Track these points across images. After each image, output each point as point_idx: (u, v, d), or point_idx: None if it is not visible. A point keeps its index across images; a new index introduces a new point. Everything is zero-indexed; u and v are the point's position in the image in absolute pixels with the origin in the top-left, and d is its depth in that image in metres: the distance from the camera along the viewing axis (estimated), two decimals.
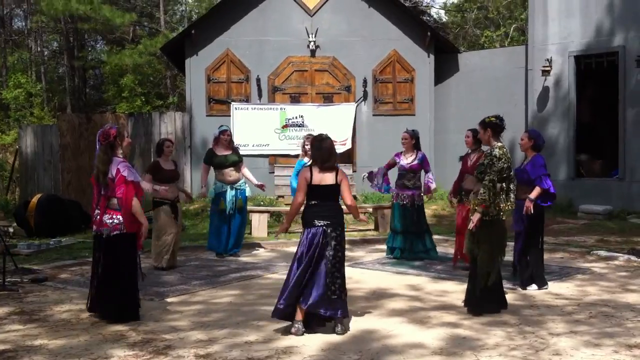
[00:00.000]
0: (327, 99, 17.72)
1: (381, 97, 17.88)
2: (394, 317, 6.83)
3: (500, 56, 18.59)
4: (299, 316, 6.24)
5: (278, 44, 17.61)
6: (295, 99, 17.69)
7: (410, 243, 10.27)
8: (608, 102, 16.43)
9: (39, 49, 34.67)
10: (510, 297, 7.52)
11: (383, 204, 14.41)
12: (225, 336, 6.19)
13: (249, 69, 17.62)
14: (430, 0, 41.16)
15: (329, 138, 6.66)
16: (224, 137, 10.84)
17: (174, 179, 10.00)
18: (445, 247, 11.55)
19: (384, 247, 11.07)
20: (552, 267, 9.24)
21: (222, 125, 11.35)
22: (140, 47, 27.96)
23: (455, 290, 7.91)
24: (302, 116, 16.95)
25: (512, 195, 7.08)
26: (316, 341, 5.99)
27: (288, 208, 14.12)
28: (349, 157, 17.40)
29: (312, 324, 6.30)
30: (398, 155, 10.45)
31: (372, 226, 14.21)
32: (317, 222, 6.36)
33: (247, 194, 11.14)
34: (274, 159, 17.30)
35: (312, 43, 17.50)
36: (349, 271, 9.27)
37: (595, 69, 16.03)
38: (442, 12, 36.73)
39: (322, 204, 6.43)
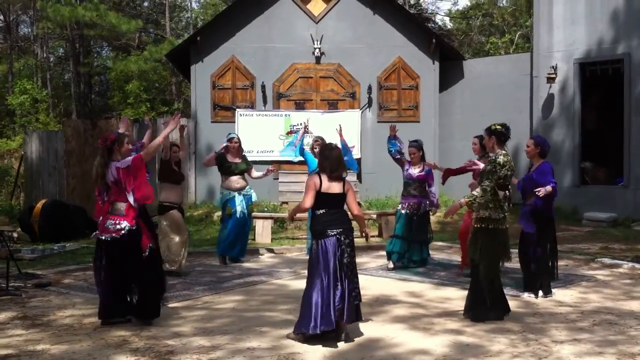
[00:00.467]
0: (332, 105, 17.73)
1: (386, 103, 17.88)
2: (398, 324, 6.81)
3: (506, 63, 18.59)
4: (341, 329, 6.20)
5: (283, 50, 17.64)
6: (300, 105, 17.71)
7: (411, 250, 10.22)
8: (613, 109, 16.40)
9: (44, 55, 34.78)
10: (513, 304, 7.51)
11: (387, 211, 14.40)
12: (228, 342, 6.18)
13: (254, 76, 17.65)
14: (436, 7, 41.23)
15: (338, 147, 6.67)
16: (232, 145, 10.83)
17: (182, 180, 10.04)
18: (449, 254, 11.54)
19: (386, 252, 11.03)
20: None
21: (230, 133, 11.39)
22: (146, 53, 28.05)
23: (458, 297, 7.89)
24: (307, 129, 16.92)
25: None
26: (319, 348, 5.98)
27: None
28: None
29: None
30: (408, 162, 10.39)
31: (375, 232, 14.21)
32: (329, 232, 6.34)
33: (253, 200, 11.12)
34: (278, 166, 17.30)
35: (317, 50, 17.52)
36: None
37: (600, 76, 16.02)
38: (447, 19, 36.82)
39: (330, 211, 6.41)
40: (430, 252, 10.68)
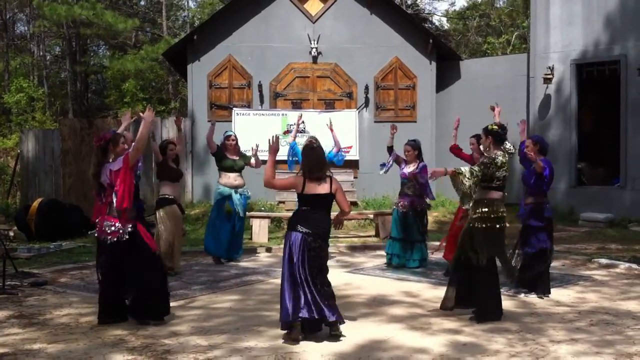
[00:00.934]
0: (329, 105, 17.73)
1: (383, 103, 17.88)
2: (395, 324, 6.81)
3: (502, 64, 18.61)
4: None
5: (280, 50, 17.63)
6: (296, 105, 17.70)
7: (407, 250, 10.24)
8: (609, 110, 16.42)
9: (41, 53, 34.69)
10: (511, 304, 7.52)
11: (384, 210, 14.40)
12: (225, 341, 6.18)
13: (250, 75, 17.64)
14: (433, 7, 41.26)
15: (320, 147, 6.59)
16: (229, 142, 10.82)
17: (179, 178, 10.02)
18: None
19: (384, 253, 11.03)
20: (553, 275, 9.17)
21: (227, 131, 11.36)
22: (142, 52, 27.99)
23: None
24: (303, 122, 16.89)
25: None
26: (317, 348, 5.98)
27: (289, 214, 14.18)
28: (350, 163, 17.38)
29: (306, 329, 6.25)
30: (404, 161, 10.43)
31: (372, 232, 14.21)
32: (299, 228, 6.32)
33: (249, 199, 11.11)
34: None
35: (314, 49, 17.51)
36: (350, 277, 9.30)
37: (597, 77, 16.04)
38: (444, 19, 36.80)
39: (310, 211, 6.38)
40: (428, 251, 10.69)
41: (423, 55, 17.90)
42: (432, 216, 15.75)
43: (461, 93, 18.28)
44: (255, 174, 15.71)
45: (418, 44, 17.90)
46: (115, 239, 6.69)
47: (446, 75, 18.26)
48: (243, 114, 17.30)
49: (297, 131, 11.94)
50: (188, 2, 37.18)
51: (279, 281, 9.09)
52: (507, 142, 7.27)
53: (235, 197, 10.69)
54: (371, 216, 14.53)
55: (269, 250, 12.28)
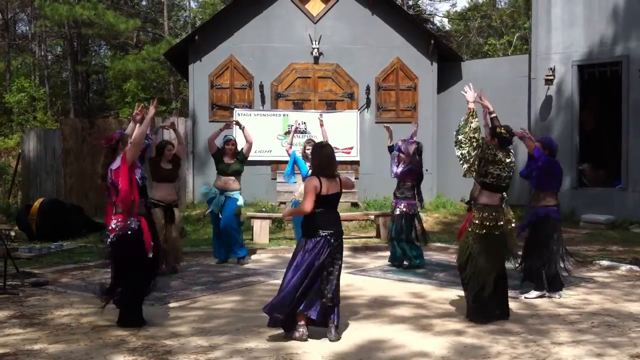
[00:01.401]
0: (330, 105, 17.72)
1: (384, 104, 17.88)
2: (397, 325, 6.80)
3: (504, 65, 18.60)
4: (301, 321, 6.22)
5: (281, 50, 17.63)
6: (298, 105, 17.70)
7: (401, 250, 10.27)
8: (611, 111, 16.41)
9: (42, 53, 34.73)
10: (513, 305, 7.50)
11: (385, 211, 14.37)
12: (225, 342, 6.17)
13: (252, 75, 17.64)
14: (434, 8, 41.26)
15: (329, 145, 6.66)
16: (229, 147, 10.78)
17: (170, 179, 9.90)
18: (449, 255, 11.52)
19: (386, 254, 11.05)
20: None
21: (226, 135, 11.32)
22: (144, 52, 28.00)
23: (458, 298, 7.88)
24: (304, 123, 16.92)
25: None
26: (317, 348, 5.96)
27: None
28: (351, 164, 17.38)
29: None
30: (402, 160, 10.43)
31: (374, 233, 14.20)
32: (321, 232, 6.32)
33: (238, 204, 10.85)
34: (276, 165, 17.28)
35: (315, 50, 17.52)
36: (351, 278, 9.29)
37: (599, 78, 16.03)
38: (446, 20, 36.80)
39: (326, 212, 6.39)
40: (430, 252, 10.70)
41: (424, 56, 17.91)
42: (432, 217, 15.78)
43: (462, 94, 18.24)
44: (254, 175, 15.78)
45: (419, 45, 17.91)
46: (120, 235, 6.68)
47: (447, 76, 18.25)
48: (244, 115, 17.29)
49: (294, 134, 11.94)
50: (189, 3, 37.19)
51: (280, 282, 9.13)
52: (512, 153, 7.21)
53: (219, 198, 10.68)
54: (372, 217, 14.52)
55: (269, 251, 12.26)
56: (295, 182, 11.34)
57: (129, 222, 6.69)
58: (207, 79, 17.64)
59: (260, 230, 13.26)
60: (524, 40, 29.89)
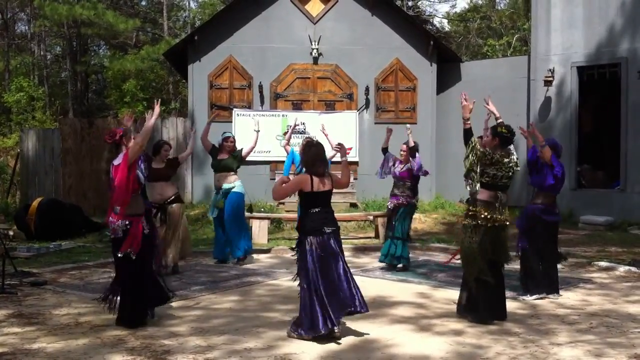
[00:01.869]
0: (329, 106, 17.72)
1: (383, 105, 17.87)
2: (395, 325, 6.80)
3: (503, 66, 18.60)
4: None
5: (281, 51, 17.62)
6: (297, 106, 17.69)
7: (393, 248, 10.24)
8: (610, 113, 16.42)
9: (41, 53, 34.71)
10: (513, 305, 7.51)
11: (384, 212, 14.36)
12: (224, 342, 6.16)
13: (251, 76, 17.63)
14: (434, 9, 41.28)
15: (319, 144, 6.65)
16: (227, 144, 10.74)
17: (161, 178, 9.69)
18: (448, 255, 11.50)
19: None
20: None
21: (225, 132, 11.27)
22: (143, 52, 28.00)
23: (457, 299, 7.87)
24: (303, 123, 16.91)
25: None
26: (315, 349, 5.96)
27: (289, 215, 14.17)
28: (350, 165, 17.36)
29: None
30: (399, 161, 10.44)
31: (372, 233, 14.19)
32: (326, 229, 6.35)
33: (235, 191, 10.71)
34: (275, 166, 17.27)
35: (314, 50, 17.51)
36: None
37: (598, 79, 16.03)
38: (445, 21, 36.82)
39: (323, 210, 6.43)
40: (430, 253, 10.71)
41: (424, 57, 17.91)
42: (431, 218, 15.78)
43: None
44: (253, 176, 15.76)
45: (419, 46, 17.90)
46: (114, 236, 6.69)
47: (447, 77, 18.25)
48: (243, 115, 17.28)
49: (292, 132, 11.95)
50: (189, 3, 37.22)
51: (279, 282, 9.16)
52: (513, 154, 7.20)
53: (215, 198, 10.70)
54: (371, 218, 14.52)
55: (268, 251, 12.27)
56: (287, 174, 11.38)
57: (121, 222, 6.64)
58: (206, 79, 17.63)
59: (259, 230, 13.26)
60: (523, 41, 29.89)
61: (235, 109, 17.37)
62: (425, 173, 10.42)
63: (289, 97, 17.76)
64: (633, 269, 9.90)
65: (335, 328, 6.15)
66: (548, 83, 16.25)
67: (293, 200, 14.19)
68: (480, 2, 34.72)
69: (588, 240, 13.35)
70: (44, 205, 14.03)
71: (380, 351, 5.91)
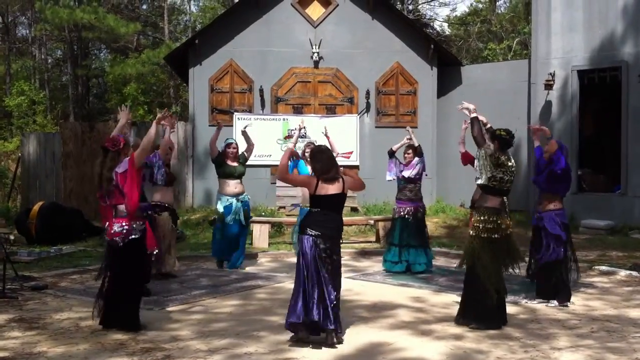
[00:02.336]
0: (330, 110, 17.73)
1: (384, 109, 17.89)
2: (396, 330, 6.79)
3: (503, 70, 18.61)
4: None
5: (281, 54, 17.64)
6: (298, 109, 17.70)
7: (411, 256, 10.22)
8: (611, 116, 16.42)
9: (42, 56, 34.79)
10: (514, 310, 7.51)
11: (386, 216, 14.38)
12: (225, 346, 6.16)
13: (252, 80, 17.65)
14: (434, 13, 41.31)
15: (328, 149, 6.72)
16: (230, 150, 10.72)
17: (171, 182, 9.83)
18: (449, 260, 11.52)
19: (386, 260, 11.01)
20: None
21: (228, 139, 11.24)
22: (144, 56, 28.04)
23: (458, 303, 7.86)
24: (305, 127, 16.89)
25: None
26: (316, 354, 5.96)
27: (290, 219, 14.16)
28: (351, 169, 17.37)
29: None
30: (402, 164, 10.43)
31: (373, 238, 14.19)
32: (309, 231, 6.34)
33: (249, 204, 11.05)
34: (276, 170, 17.24)
35: (315, 54, 17.53)
36: (351, 283, 9.26)
37: (598, 83, 16.03)
38: (446, 25, 36.83)
39: (322, 213, 6.41)
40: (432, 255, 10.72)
41: (424, 61, 17.92)
42: (432, 222, 15.75)
43: (462, 99, 17.89)
44: (254, 180, 15.75)
45: (419, 50, 17.92)
46: (128, 239, 6.71)
47: (447, 81, 18.26)
48: (244, 119, 17.28)
49: (299, 137, 11.87)
50: (190, 7, 37.27)
51: (280, 286, 9.16)
52: (511, 158, 7.18)
53: (237, 205, 10.63)
54: (371, 222, 14.51)
55: (269, 255, 12.26)
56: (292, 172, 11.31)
57: (135, 225, 6.74)
58: (207, 83, 17.65)
59: (260, 234, 13.26)
60: (523, 45, 29.92)
61: (236, 113, 17.38)
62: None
63: (289, 101, 17.78)
64: (634, 273, 9.89)
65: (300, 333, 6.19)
66: (549, 87, 16.25)
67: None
68: (480, 5, 34.75)
69: (589, 244, 13.33)
70: (45, 209, 14.04)
71: (381, 356, 5.91)
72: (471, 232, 7.10)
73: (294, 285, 6.38)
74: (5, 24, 34.18)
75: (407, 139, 10.50)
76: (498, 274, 6.94)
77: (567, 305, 7.87)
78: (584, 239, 13.91)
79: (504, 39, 31.10)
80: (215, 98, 17.67)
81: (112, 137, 6.90)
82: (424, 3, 35.86)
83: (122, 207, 6.75)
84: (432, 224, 15.70)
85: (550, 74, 16.22)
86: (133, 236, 6.73)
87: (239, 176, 10.73)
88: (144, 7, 36.65)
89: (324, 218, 6.40)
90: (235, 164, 10.72)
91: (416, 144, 10.37)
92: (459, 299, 7.38)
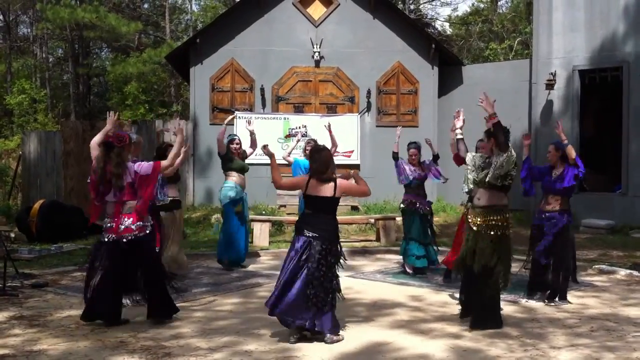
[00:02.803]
0: (331, 109, 17.75)
1: (385, 108, 17.90)
2: (396, 329, 6.80)
3: (505, 69, 18.62)
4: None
5: (282, 54, 17.66)
6: (298, 109, 17.72)
7: (427, 252, 10.18)
8: (612, 116, 16.42)
9: (43, 55, 34.79)
10: (512, 309, 7.52)
11: (386, 215, 14.40)
12: (225, 344, 6.17)
13: (253, 79, 17.66)
14: (435, 12, 41.30)
15: (327, 149, 6.69)
16: (234, 147, 10.66)
17: (175, 180, 9.87)
18: None
19: (386, 257, 11.02)
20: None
21: (230, 135, 11.15)
22: (145, 55, 28.05)
23: (457, 301, 7.87)
24: (305, 126, 16.95)
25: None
26: (318, 351, 5.97)
27: (290, 217, 14.17)
28: (351, 168, 17.37)
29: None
30: (408, 165, 10.41)
31: (373, 237, 14.20)
32: (306, 232, 6.35)
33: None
34: None
35: (316, 53, 17.55)
36: (351, 281, 9.27)
37: (599, 83, 16.04)
38: (447, 24, 36.84)
39: (314, 215, 6.42)
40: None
41: (425, 60, 17.94)
42: (433, 221, 15.74)
43: (463, 98, 18.22)
44: (255, 178, 15.75)
45: (420, 49, 17.93)
46: (140, 235, 6.78)
47: (448, 81, 18.27)
48: (245, 118, 17.26)
49: (295, 146, 11.94)
50: (191, 6, 37.28)
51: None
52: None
53: (246, 197, 10.64)
54: (372, 221, 14.52)
55: (270, 253, 12.26)
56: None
57: (146, 221, 6.87)
58: (208, 82, 17.67)
59: (260, 233, 13.27)
60: (525, 44, 29.92)
61: (237, 112, 17.37)
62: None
63: (290, 100, 17.79)
64: (634, 272, 9.89)
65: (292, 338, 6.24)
66: (550, 86, 16.26)
67: (294, 203, 14.23)
68: (481, 5, 34.75)
69: (589, 243, 13.34)
70: (46, 207, 14.06)
71: (380, 354, 5.92)
72: (490, 231, 6.84)
73: (279, 278, 6.47)
74: (7, 22, 34.19)
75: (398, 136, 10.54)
76: (507, 273, 6.95)
77: (567, 304, 7.88)
78: (585, 239, 13.92)
79: (505, 38, 31.11)
80: (216, 97, 17.69)
81: (117, 134, 6.90)
82: (425, 3, 35.89)
83: (133, 202, 6.82)
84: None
85: (552, 73, 16.23)
86: (148, 230, 6.86)
87: (245, 172, 10.69)
88: (145, 6, 36.67)
89: (317, 220, 6.40)
90: (241, 160, 10.71)
91: (435, 152, 10.42)
92: (457, 296, 7.34)
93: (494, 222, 6.84)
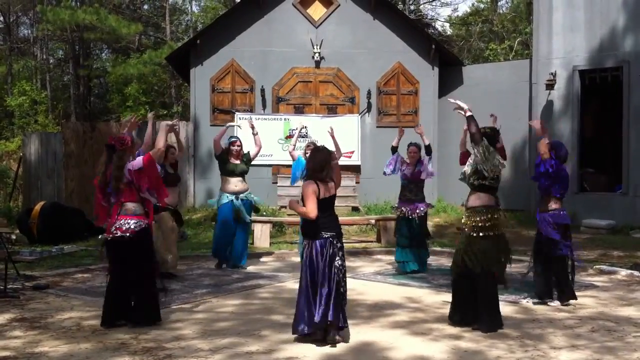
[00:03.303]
0: (331, 110, 17.76)
1: (385, 109, 17.91)
2: (396, 329, 6.81)
3: (505, 69, 18.63)
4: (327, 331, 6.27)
5: (283, 54, 17.67)
6: (299, 109, 17.73)
7: (416, 255, 10.22)
8: (612, 116, 16.42)
9: (44, 56, 34.80)
10: (512, 310, 7.53)
11: (386, 216, 14.39)
12: (226, 346, 6.18)
13: (253, 80, 17.68)
14: (436, 13, 41.31)
15: (326, 150, 6.63)
16: (234, 148, 10.72)
17: (176, 182, 9.95)
18: (448, 259, 11.50)
19: (386, 258, 11.04)
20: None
21: (231, 136, 11.25)
22: (145, 56, 28.07)
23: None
24: (305, 127, 16.96)
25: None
26: (317, 352, 5.98)
27: (291, 218, 14.17)
28: (352, 168, 17.39)
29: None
30: (407, 163, 10.43)
31: (374, 237, 14.20)
32: (324, 234, 6.35)
33: (254, 202, 11.04)
34: (277, 169, 17.31)
35: (316, 54, 17.56)
36: (352, 283, 9.25)
37: (600, 83, 16.04)
38: (447, 25, 36.85)
39: (325, 215, 6.42)
40: (431, 257, 10.70)
41: (425, 61, 17.95)
42: (432, 221, 15.77)
43: (463, 98, 17.80)
44: (256, 179, 15.77)
45: (421, 50, 17.94)
46: (131, 236, 6.79)
47: (448, 81, 18.28)
48: (245, 119, 17.27)
49: (298, 137, 11.87)
50: (191, 7, 37.31)
51: (282, 285, 9.18)
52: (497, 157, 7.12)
53: (236, 203, 10.64)
54: (372, 221, 14.52)
55: (271, 254, 12.28)
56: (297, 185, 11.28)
57: (139, 221, 6.88)
58: (208, 83, 17.68)
59: (261, 234, 13.28)
60: (525, 45, 29.92)
61: (237, 113, 17.40)
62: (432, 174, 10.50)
63: (290, 101, 17.80)
64: (635, 272, 9.89)
65: (334, 337, 6.19)
66: (550, 86, 16.27)
67: None
68: (482, 5, 34.76)
69: (590, 244, 13.34)
70: (47, 209, 14.07)
71: (380, 355, 5.93)
72: (472, 233, 6.87)
73: (299, 293, 6.36)
74: (7, 24, 34.21)
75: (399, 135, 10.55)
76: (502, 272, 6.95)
77: (568, 305, 7.88)
78: (585, 239, 13.92)
79: (506, 39, 31.12)
80: (216, 98, 17.70)
81: (119, 136, 6.95)
82: (425, 3, 35.91)
83: (130, 204, 6.83)
84: (433, 224, 15.71)
85: (552, 73, 16.24)
86: (143, 226, 6.88)
87: (241, 174, 10.73)
88: (146, 7, 36.69)
89: (330, 219, 6.45)
90: (237, 161, 10.73)
91: (427, 143, 10.39)
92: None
93: (481, 224, 6.85)
